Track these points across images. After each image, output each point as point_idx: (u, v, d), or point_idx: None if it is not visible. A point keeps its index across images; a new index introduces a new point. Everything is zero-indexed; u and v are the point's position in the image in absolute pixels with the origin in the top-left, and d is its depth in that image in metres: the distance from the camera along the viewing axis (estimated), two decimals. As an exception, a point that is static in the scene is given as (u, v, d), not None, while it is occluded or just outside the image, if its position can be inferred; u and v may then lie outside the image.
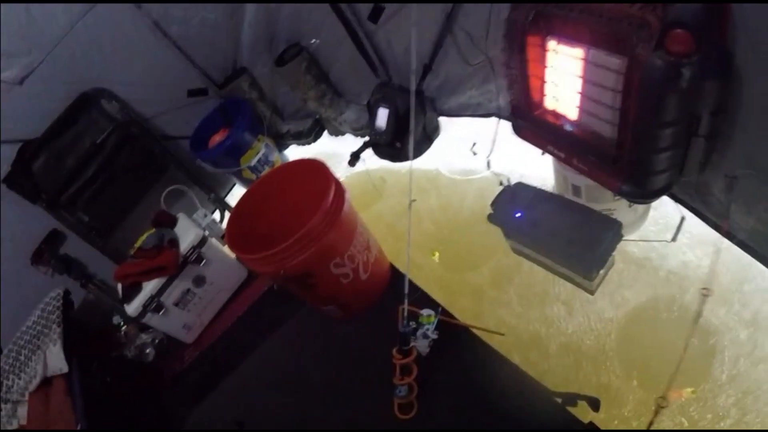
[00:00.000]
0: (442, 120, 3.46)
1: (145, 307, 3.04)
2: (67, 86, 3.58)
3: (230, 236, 2.66)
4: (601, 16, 1.70)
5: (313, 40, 3.60)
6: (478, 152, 2.53)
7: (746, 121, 1.72)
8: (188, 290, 3.20)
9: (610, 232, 2.09)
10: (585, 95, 1.85)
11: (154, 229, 3.26)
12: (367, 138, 3.61)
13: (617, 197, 2.01)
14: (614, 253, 2.23)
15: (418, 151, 3.42)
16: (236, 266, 3.49)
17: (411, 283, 2.48)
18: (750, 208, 1.94)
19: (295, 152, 4.57)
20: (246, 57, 3.99)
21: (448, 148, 3.54)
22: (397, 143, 3.28)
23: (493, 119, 2.70)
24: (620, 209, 2.45)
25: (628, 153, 1.78)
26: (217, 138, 4.01)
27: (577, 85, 1.87)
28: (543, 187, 2.48)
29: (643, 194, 1.88)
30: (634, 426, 2.88)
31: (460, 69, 2.99)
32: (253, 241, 2.51)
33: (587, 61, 1.79)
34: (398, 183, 2.61)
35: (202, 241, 3.21)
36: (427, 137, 3.39)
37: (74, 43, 3.41)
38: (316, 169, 2.64)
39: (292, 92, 3.97)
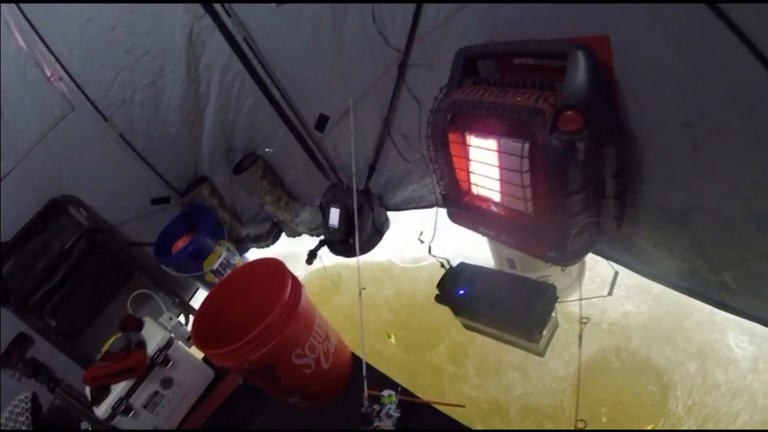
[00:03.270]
0: (391, 214, 3.71)
1: (114, 410, 3.09)
2: (37, 193, 3.83)
3: (196, 334, 2.78)
4: (504, 110, 1.95)
5: (267, 149, 3.85)
6: (425, 240, 2.73)
7: (648, 174, 1.97)
8: (156, 392, 3.28)
9: (545, 295, 2.26)
10: (503, 179, 2.08)
11: (121, 333, 3.34)
12: (322, 237, 3.81)
13: (548, 264, 2.21)
14: (557, 315, 2.40)
15: (370, 245, 3.63)
16: (203, 367, 3.57)
17: (371, 366, 2.61)
18: (671, 250, 2.17)
19: (255, 255, 4.72)
20: (206, 166, 4.23)
21: (398, 240, 3.77)
22: (350, 239, 3.48)
23: (435, 209, 2.92)
24: (555, 274, 2.65)
25: (545, 223, 1.99)
26: (180, 244, 4.19)
27: (495, 171, 2.10)
28: (485, 265, 2.67)
29: (567, 257, 2.08)
30: None
31: (400, 167, 3.27)
32: (218, 338, 2.64)
33: (499, 150, 2.03)
34: (354, 277, 2.78)
35: (169, 343, 3.32)
36: (378, 231, 3.60)
37: (45, 151, 3.69)
38: (273, 267, 2.82)
39: (250, 198, 4.18)
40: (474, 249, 3.03)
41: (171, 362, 3.33)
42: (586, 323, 2.18)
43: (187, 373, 3.48)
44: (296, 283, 2.70)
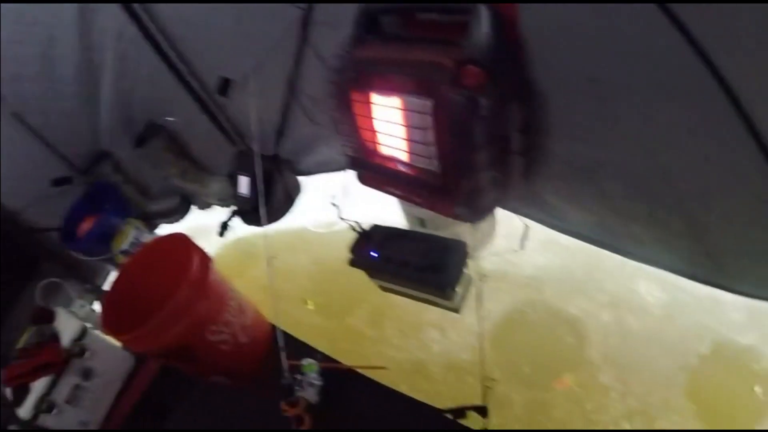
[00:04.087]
0: (304, 179, 3.63)
1: (37, 409, 2.94)
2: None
3: (106, 319, 2.67)
4: (406, 67, 1.91)
5: (170, 118, 3.68)
6: (338, 204, 2.69)
7: (556, 131, 1.97)
8: (78, 385, 3.12)
9: (457, 252, 2.27)
10: (408, 137, 2.03)
11: (33, 327, 3.18)
12: (233, 207, 3.71)
13: (458, 221, 2.21)
14: (470, 272, 2.41)
15: (282, 212, 3.54)
16: (123, 354, 3.43)
17: (290, 336, 2.57)
18: (580, 204, 2.21)
19: (165, 231, 4.50)
20: (107, 141, 4.01)
21: (312, 205, 3.70)
22: (262, 207, 3.39)
23: (346, 172, 2.87)
24: (466, 232, 2.64)
25: (452, 180, 1.96)
26: (85, 226, 3.97)
27: (400, 129, 2.04)
28: (398, 226, 2.66)
29: (475, 213, 2.09)
30: (526, 422, 3.07)
31: (309, 130, 3.17)
32: (129, 322, 2.51)
33: (404, 108, 1.97)
34: (269, 246, 2.73)
35: (83, 333, 3.17)
36: (289, 197, 3.52)
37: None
38: (179, 242, 2.72)
39: (156, 171, 3.99)
40: (388, 211, 3.00)
41: (88, 352, 3.18)
42: (484, 280, 2.21)
43: (107, 362, 3.33)
44: (204, 257, 2.62)
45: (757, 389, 3.12)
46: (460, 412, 2.50)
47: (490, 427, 2.51)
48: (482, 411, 2.46)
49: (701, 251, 2.06)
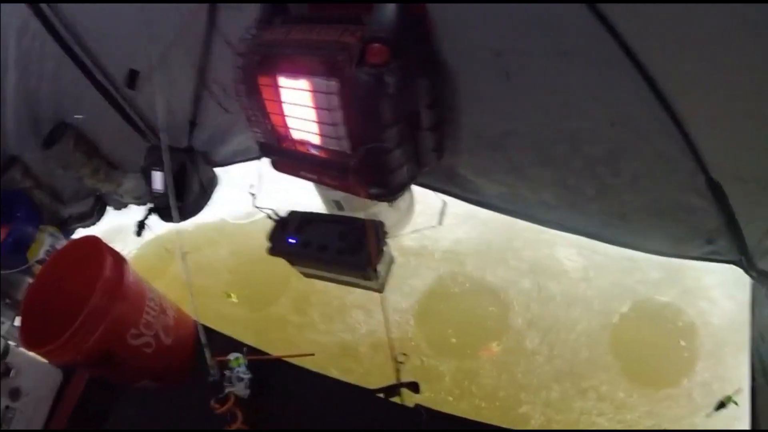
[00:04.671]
0: (221, 170, 3.55)
1: None
2: None
3: (24, 334, 2.58)
4: (311, 47, 1.90)
5: (78, 116, 3.53)
6: (256, 193, 2.65)
7: (464, 105, 2.00)
8: (7, 407, 2.95)
9: (374, 232, 2.24)
10: (318, 120, 2.01)
11: None
12: (149, 204, 3.60)
13: (373, 201, 2.22)
14: (390, 250, 2.43)
15: (199, 206, 3.46)
16: (49, 368, 3.27)
17: (214, 332, 2.52)
18: (491, 176, 2.24)
19: (82, 235, 4.34)
20: (13, 144, 3.82)
21: (230, 196, 3.61)
22: (176, 202, 3.31)
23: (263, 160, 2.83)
24: (383, 211, 2.64)
25: (364, 160, 1.95)
26: (-3, 238, 3.76)
27: (310, 112, 2.02)
28: (315, 211, 2.64)
29: (389, 192, 2.08)
30: (457, 393, 3.13)
31: (223, 119, 3.10)
32: (49, 334, 2.42)
33: (312, 90, 1.95)
34: (188, 242, 2.68)
35: (6, 351, 2.99)
36: (205, 190, 3.44)
37: None
38: (91, 246, 2.63)
39: (67, 173, 3.83)
40: (308, 196, 2.97)
41: (13, 371, 3.00)
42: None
43: (34, 379, 3.16)
44: (118, 259, 2.54)
45: (682, 343, 3.28)
46: (393, 389, 2.52)
47: (423, 402, 2.55)
48: (415, 387, 2.49)
49: (613, 213, 2.13)
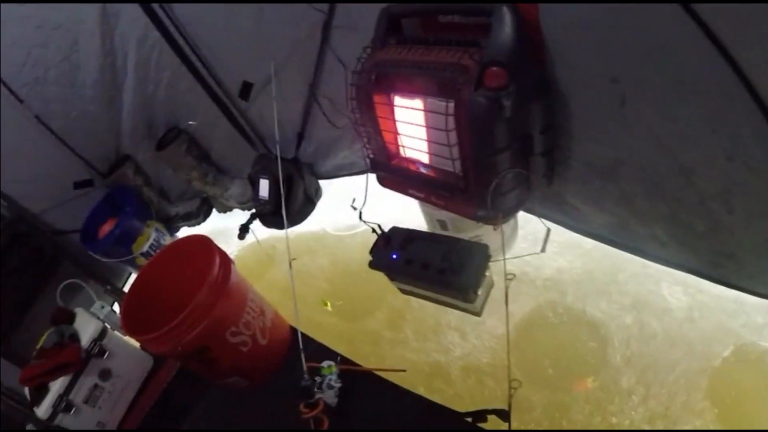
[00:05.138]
0: (324, 182, 3.65)
1: (55, 408, 2.94)
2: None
3: (125, 321, 2.69)
4: (428, 69, 1.93)
5: (190, 122, 3.72)
6: (358, 207, 2.71)
7: (576, 130, 1.98)
8: (96, 385, 3.12)
9: (478, 255, 2.25)
10: (430, 139, 2.05)
11: (53, 328, 3.17)
12: (253, 210, 3.73)
13: (479, 223, 2.22)
14: (491, 274, 2.40)
15: (302, 215, 3.57)
16: (141, 355, 3.44)
17: (309, 338, 2.58)
18: (601, 205, 2.21)
19: (186, 234, 4.53)
20: (128, 144, 4.04)
21: (332, 208, 3.72)
22: (282, 210, 3.42)
23: (366, 175, 2.89)
24: (487, 234, 2.67)
25: (474, 182, 1.98)
26: (106, 228, 4.00)
27: (422, 131, 2.07)
28: (418, 228, 2.66)
29: (496, 215, 2.09)
30: (546, 425, 3.05)
31: (329, 133, 3.20)
32: (149, 323, 2.53)
33: (426, 110, 2.00)
34: (292, 248, 2.76)
35: (103, 333, 3.16)
36: (309, 200, 3.55)
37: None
38: (200, 244, 2.74)
39: (176, 174, 4.04)
40: (407, 213, 3.01)
41: (107, 353, 3.17)
42: (512, 279, 2.21)
43: (125, 363, 3.33)
44: (225, 259, 2.63)
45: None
46: (481, 415, 2.50)
47: (508, 428, 2.50)
48: (503, 414, 2.46)
49: (723, 252, 2.05)
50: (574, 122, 1.97)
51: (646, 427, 3.05)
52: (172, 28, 3.12)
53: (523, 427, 2.98)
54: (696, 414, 3.13)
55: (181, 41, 3.18)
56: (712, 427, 3.04)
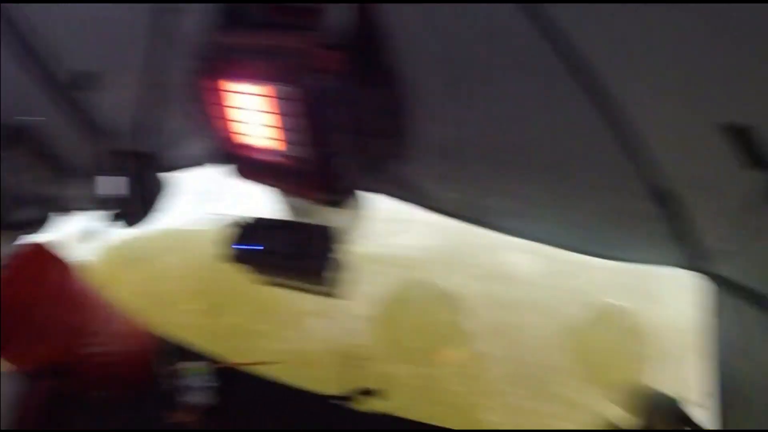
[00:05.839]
0: (176, 175, 3.51)
1: None
2: None
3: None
4: (268, 53, 1.90)
5: (28, 118, 3.46)
6: (211, 199, 2.65)
7: (417, 113, 2.03)
8: None
9: (330, 238, 2.29)
10: (274, 126, 2.00)
11: None
12: (102, 210, 3.54)
13: (328, 206, 2.24)
14: (346, 256, 2.43)
15: (151, 212, 3.40)
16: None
17: (172, 340, 2.51)
18: (446, 183, 2.29)
19: (27, 241, 4.20)
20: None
21: (187, 202, 3.55)
22: (132, 208, 3.28)
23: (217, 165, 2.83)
24: (339, 217, 2.61)
25: (317, 166, 1.96)
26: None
27: (266, 118, 2.01)
28: (270, 216, 2.65)
29: (341, 197, 2.12)
30: (413, 399, 3.16)
31: (177, 123, 3.07)
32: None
33: (269, 96, 1.94)
34: (144, 248, 2.65)
35: None
36: (158, 196, 3.40)
37: None
38: (34, 254, 2.58)
39: (13, 178, 3.73)
40: (262, 201, 2.97)
41: None
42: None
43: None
44: (63, 268, 2.50)
45: (637, 346, 3.37)
46: (350, 397, 2.55)
47: (379, 408, 2.58)
48: (370, 393, 2.52)
49: (566, 220, 2.19)
50: (414, 103, 2.01)
51: (509, 389, 3.24)
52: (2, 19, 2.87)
53: (392, 403, 3.08)
54: (557, 371, 3.35)
55: (12, 31, 2.93)
56: (575, 383, 3.28)
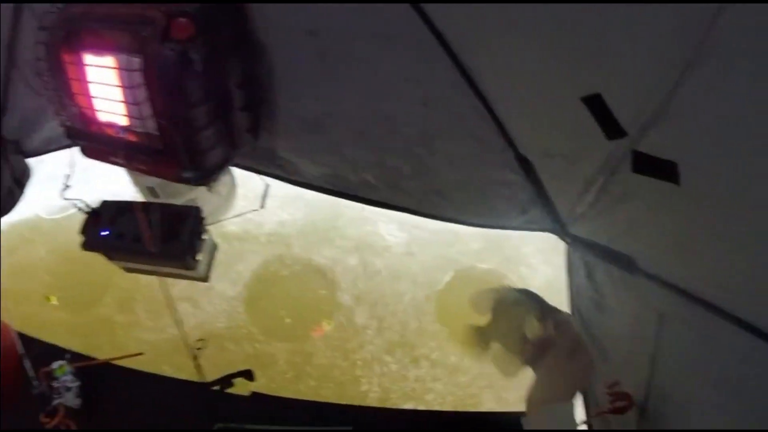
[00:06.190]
0: (34, 160, 3.27)
1: None
2: None
3: None
4: (116, 22, 1.78)
5: None
6: (69, 184, 2.49)
7: (280, 85, 1.99)
8: None
9: (190, 219, 2.21)
10: (124, 100, 1.88)
11: None
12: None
13: (190, 186, 2.15)
14: (211, 237, 2.35)
15: (11, 202, 3.16)
16: None
17: (35, 340, 2.37)
18: (312, 157, 2.27)
19: None
20: None
21: (44, 189, 3.36)
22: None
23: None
24: (202, 196, 2.59)
25: (172, 142, 1.86)
26: None
27: (116, 92, 1.89)
28: (129, 199, 2.51)
29: (203, 175, 2.00)
30: (291, 376, 3.17)
31: (34, 102, 2.83)
32: None
33: (117, 68, 1.83)
34: (3, 241, 2.48)
35: None
36: (18, 184, 3.17)
37: None
38: None
39: None
40: (123, 184, 2.84)
41: None
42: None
43: None
44: None
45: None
46: (227, 381, 2.49)
47: (259, 389, 2.53)
48: (249, 375, 2.48)
49: (432, 190, 2.21)
50: (276, 76, 1.96)
51: (387, 358, 3.31)
52: None
53: (269, 383, 3.07)
54: (430, 336, 3.45)
55: None
56: (446, 347, 3.40)
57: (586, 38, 1.27)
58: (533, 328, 1.31)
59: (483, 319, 1.51)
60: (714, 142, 1.16)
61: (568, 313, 1.24)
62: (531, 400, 1.29)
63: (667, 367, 1.73)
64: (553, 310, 1.34)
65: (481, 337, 1.55)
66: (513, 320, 1.40)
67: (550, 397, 1.25)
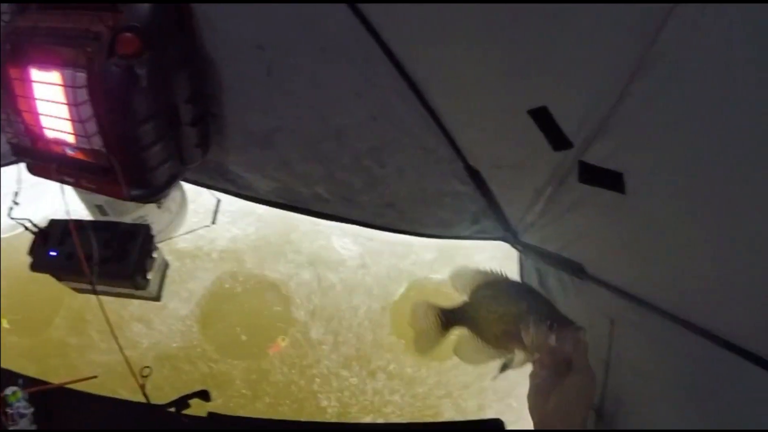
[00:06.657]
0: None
1: None
2: None
3: None
4: (62, 36, 1.75)
5: None
6: (17, 202, 2.43)
7: (228, 100, 1.99)
8: None
9: (138, 237, 2.16)
10: (70, 117, 1.85)
11: None
12: None
13: (138, 203, 2.13)
14: (162, 255, 2.32)
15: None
16: None
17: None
18: (262, 172, 2.25)
19: None
20: None
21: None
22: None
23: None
24: (153, 213, 2.57)
25: (121, 159, 1.84)
26: None
27: (61, 108, 1.86)
28: (82, 218, 2.45)
29: (151, 192, 1.98)
30: (248, 394, 3.12)
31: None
32: None
33: (62, 84, 1.79)
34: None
35: None
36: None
37: None
38: None
39: None
40: (75, 202, 2.78)
41: None
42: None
43: None
44: None
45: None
46: (183, 402, 2.45)
47: (217, 409, 2.49)
48: (205, 396, 2.44)
49: (383, 203, 2.23)
50: (224, 90, 1.95)
51: (344, 372, 3.29)
52: None
53: (226, 402, 3.03)
54: (386, 349, 3.44)
55: None
56: (402, 359, 3.39)
57: (531, 50, 1.30)
58: (538, 333, 1.21)
59: (448, 301, 1.41)
60: (658, 151, 1.19)
61: (582, 328, 1.17)
62: (543, 422, 1.20)
63: (620, 370, 1.74)
64: (567, 322, 1.20)
65: (445, 319, 1.41)
66: (502, 314, 1.29)
67: (569, 422, 1.18)
